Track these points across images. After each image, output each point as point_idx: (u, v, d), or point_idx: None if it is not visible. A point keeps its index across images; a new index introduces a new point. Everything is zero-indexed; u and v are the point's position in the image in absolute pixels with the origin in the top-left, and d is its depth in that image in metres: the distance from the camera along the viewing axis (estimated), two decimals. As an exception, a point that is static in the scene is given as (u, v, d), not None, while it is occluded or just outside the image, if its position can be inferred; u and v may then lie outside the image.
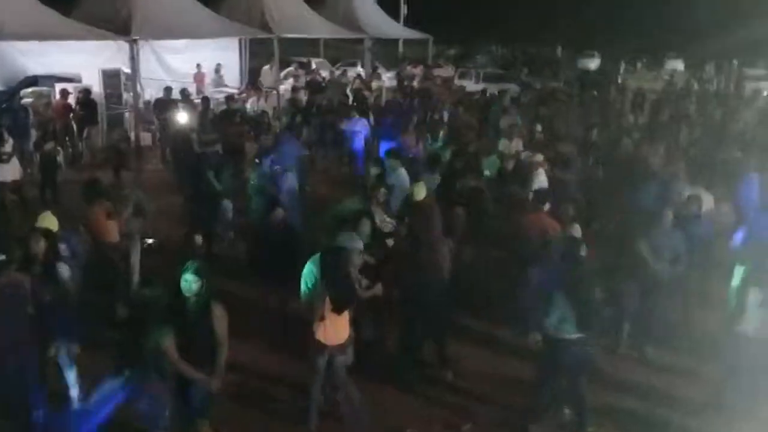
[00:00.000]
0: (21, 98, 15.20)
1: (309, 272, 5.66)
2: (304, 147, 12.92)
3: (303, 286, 5.68)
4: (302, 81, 21.29)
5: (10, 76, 16.58)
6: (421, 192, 7.86)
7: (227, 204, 9.77)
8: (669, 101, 20.72)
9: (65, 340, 5.74)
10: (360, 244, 6.06)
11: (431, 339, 6.83)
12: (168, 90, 15.05)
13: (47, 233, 5.95)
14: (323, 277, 5.53)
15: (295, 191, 9.61)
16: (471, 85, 27.11)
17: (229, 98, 15.73)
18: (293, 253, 6.76)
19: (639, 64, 46.24)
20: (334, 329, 5.57)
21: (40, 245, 5.73)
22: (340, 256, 5.66)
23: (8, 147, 10.86)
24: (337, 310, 5.50)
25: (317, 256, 5.70)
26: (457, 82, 27.84)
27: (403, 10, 35.70)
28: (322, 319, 5.49)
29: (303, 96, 17.32)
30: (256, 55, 23.68)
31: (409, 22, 32.96)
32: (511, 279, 7.30)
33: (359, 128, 13.96)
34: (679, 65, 44.05)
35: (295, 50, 26.49)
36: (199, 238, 7.18)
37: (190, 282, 4.88)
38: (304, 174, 11.36)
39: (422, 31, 29.08)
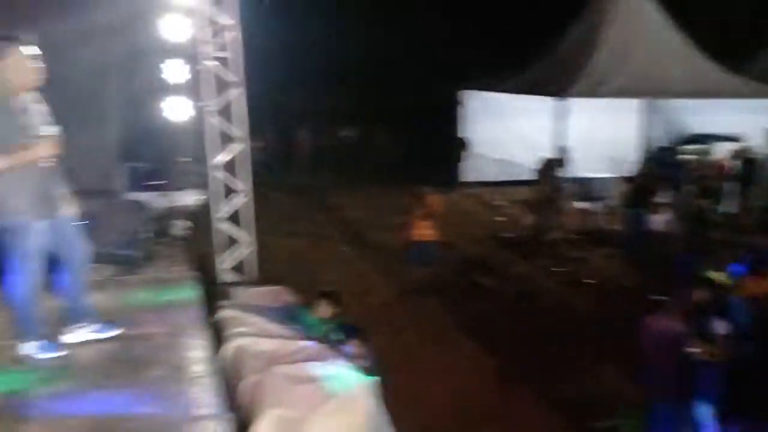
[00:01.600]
0: (679, 154, 15.43)
1: None
2: None
3: None
4: None
5: (672, 132, 16.86)
6: None
7: None
8: None
9: (703, 399, 5.32)
10: None
11: None
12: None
13: (711, 284, 5.61)
14: None
15: None
16: None
17: None
18: None
19: None
20: None
21: (703, 295, 5.41)
22: None
23: (663, 198, 11.06)
24: None
25: None
26: None
27: None
28: None
29: None
30: None
31: None
32: None
33: None
34: None
35: None
36: None
37: None
38: None
39: None
